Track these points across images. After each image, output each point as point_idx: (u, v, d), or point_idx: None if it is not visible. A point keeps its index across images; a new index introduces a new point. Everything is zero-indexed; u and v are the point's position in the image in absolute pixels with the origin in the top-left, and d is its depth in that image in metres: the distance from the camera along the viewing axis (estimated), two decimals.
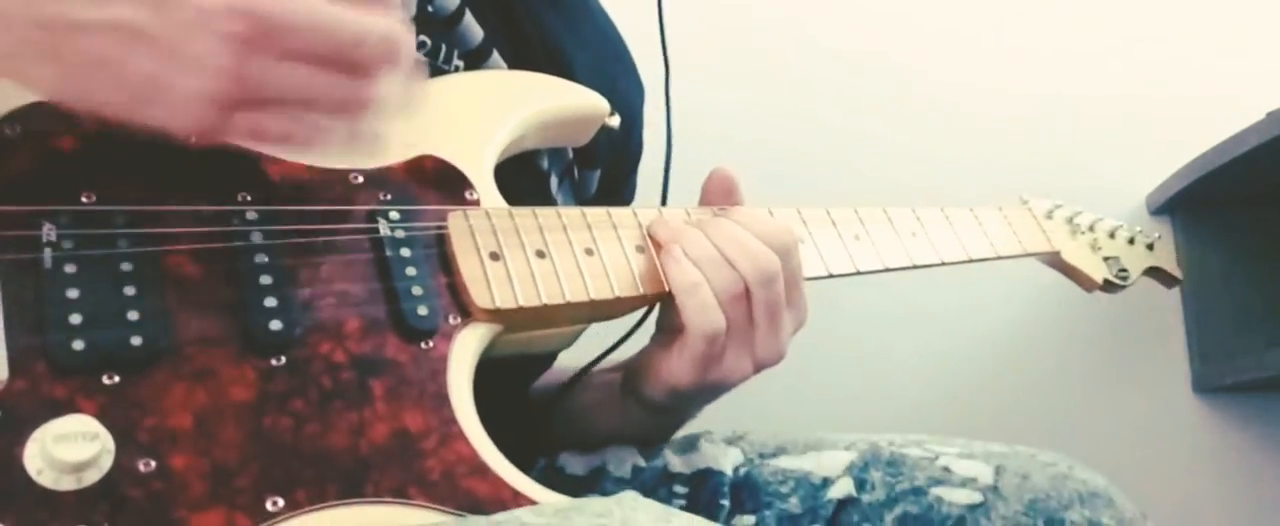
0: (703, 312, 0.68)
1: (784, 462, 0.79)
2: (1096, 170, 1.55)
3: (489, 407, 0.61)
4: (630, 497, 0.54)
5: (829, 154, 1.48)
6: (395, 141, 0.65)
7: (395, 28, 0.56)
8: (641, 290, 0.69)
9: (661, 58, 0.85)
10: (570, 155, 0.87)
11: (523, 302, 0.63)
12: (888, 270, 0.83)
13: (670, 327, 0.72)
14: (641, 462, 0.80)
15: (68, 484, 0.48)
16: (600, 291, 0.67)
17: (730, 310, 0.68)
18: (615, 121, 0.79)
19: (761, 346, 0.70)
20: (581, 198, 0.89)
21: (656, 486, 0.78)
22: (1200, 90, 1.57)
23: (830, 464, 0.78)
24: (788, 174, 1.31)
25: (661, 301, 0.71)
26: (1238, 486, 1.51)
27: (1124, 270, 1.02)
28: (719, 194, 0.78)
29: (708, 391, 0.73)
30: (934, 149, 1.52)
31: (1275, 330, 1.47)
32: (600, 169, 0.90)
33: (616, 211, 0.71)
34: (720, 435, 0.83)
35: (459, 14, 0.78)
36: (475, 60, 0.79)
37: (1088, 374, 1.52)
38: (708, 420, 0.82)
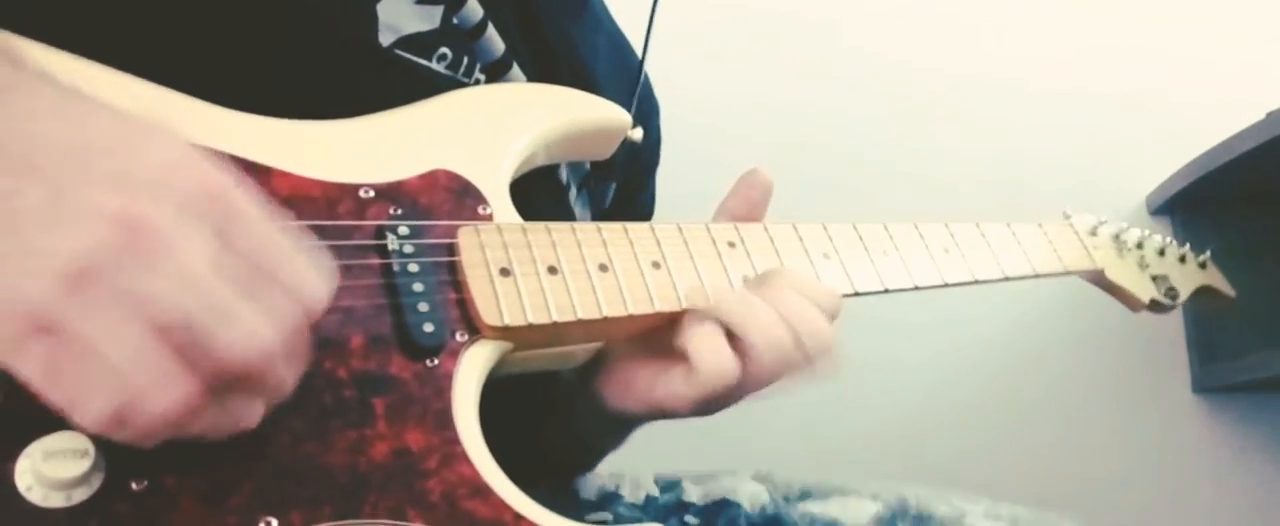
0: (719, 362, 0.61)
1: (809, 506, 0.75)
2: (1096, 170, 1.52)
3: (504, 428, 0.57)
4: None
5: (827, 150, 1.44)
6: (411, 155, 0.61)
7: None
8: (657, 308, 0.64)
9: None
10: (587, 166, 0.82)
11: (532, 320, 0.59)
12: (918, 288, 0.76)
13: (665, 350, 0.65)
14: (655, 491, 0.76)
15: (57, 501, 0.45)
16: (614, 308, 0.62)
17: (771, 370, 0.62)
18: (637, 135, 0.74)
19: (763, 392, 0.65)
20: (598, 207, 0.84)
21: (668, 515, 0.74)
22: (1200, 90, 1.53)
23: (857, 512, 0.74)
24: (785, 169, 1.29)
25: (671, 324, 0.65)
26: (1238, 486, 1.46)
27: (1172, 289, 0.95)
28: (753, 194, 0.73)
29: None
30: (934, 148, 1.49)
31: (1275, 330, 1.42)
32: (616, 180, 0.85)
33: (633, 226, 0.66)
34: (743, 472, 0.78)
35: (482, 26, 0.73)
36: (496, 73, 0.74)
37: (1088, 374, 1.47)
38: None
